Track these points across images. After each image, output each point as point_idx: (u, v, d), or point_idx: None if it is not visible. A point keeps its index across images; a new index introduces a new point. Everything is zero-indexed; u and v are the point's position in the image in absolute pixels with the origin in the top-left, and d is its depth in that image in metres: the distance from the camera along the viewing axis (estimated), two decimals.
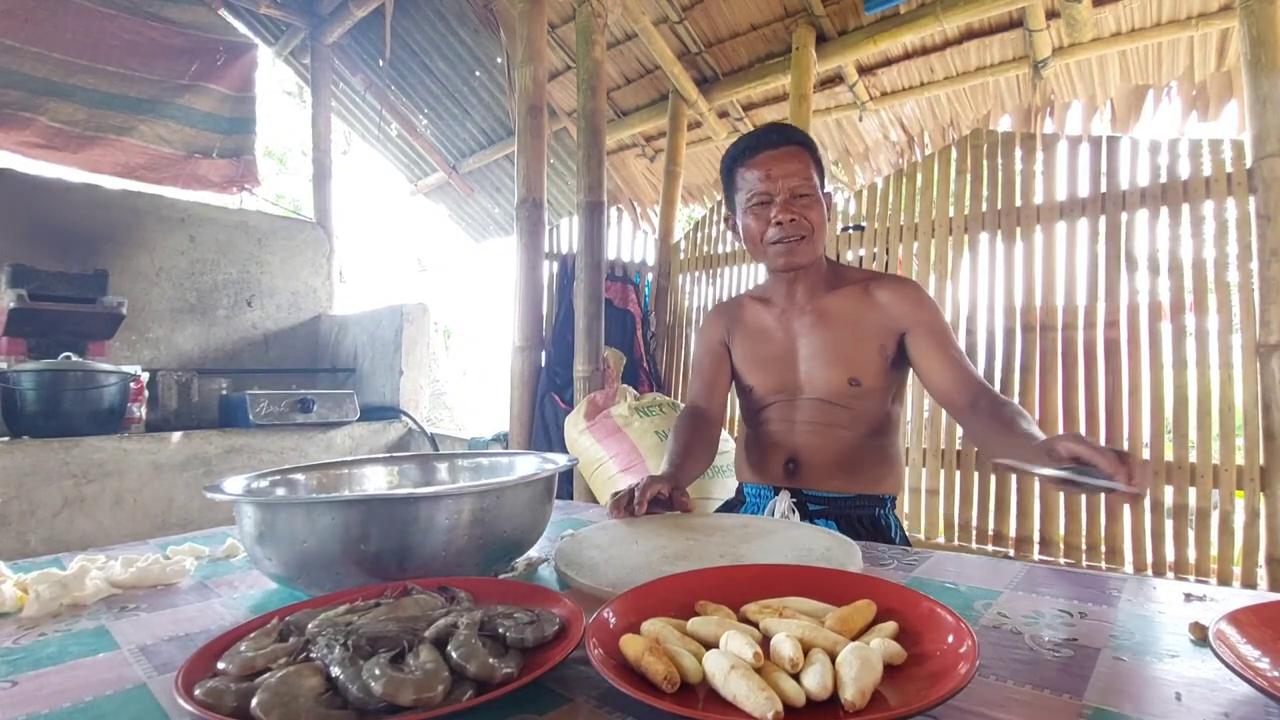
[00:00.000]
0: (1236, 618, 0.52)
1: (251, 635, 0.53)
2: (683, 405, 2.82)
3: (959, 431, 2.65)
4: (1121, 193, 2.35)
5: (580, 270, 2.89)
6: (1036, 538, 2.42)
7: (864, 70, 3.35)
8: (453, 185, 5.13)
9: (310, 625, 0.53)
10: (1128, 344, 2.29)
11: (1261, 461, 2.01)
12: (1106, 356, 2.33)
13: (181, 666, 0.48)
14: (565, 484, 2.80)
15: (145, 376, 2.83)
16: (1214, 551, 2.09)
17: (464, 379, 7.94)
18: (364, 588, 0.64)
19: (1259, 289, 2.02)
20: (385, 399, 3.47)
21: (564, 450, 2.64)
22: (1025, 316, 2.53)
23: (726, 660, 0.45)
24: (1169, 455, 2.21)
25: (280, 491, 0.91)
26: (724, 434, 1.76)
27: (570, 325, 3.16)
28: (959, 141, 2.82)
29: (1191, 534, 2.12)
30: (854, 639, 0.50)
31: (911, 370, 1.23)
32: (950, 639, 0.49)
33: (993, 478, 2.52)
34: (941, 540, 2.60)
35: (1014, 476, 2.46)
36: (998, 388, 2.53)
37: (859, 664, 0.44)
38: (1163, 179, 2.28)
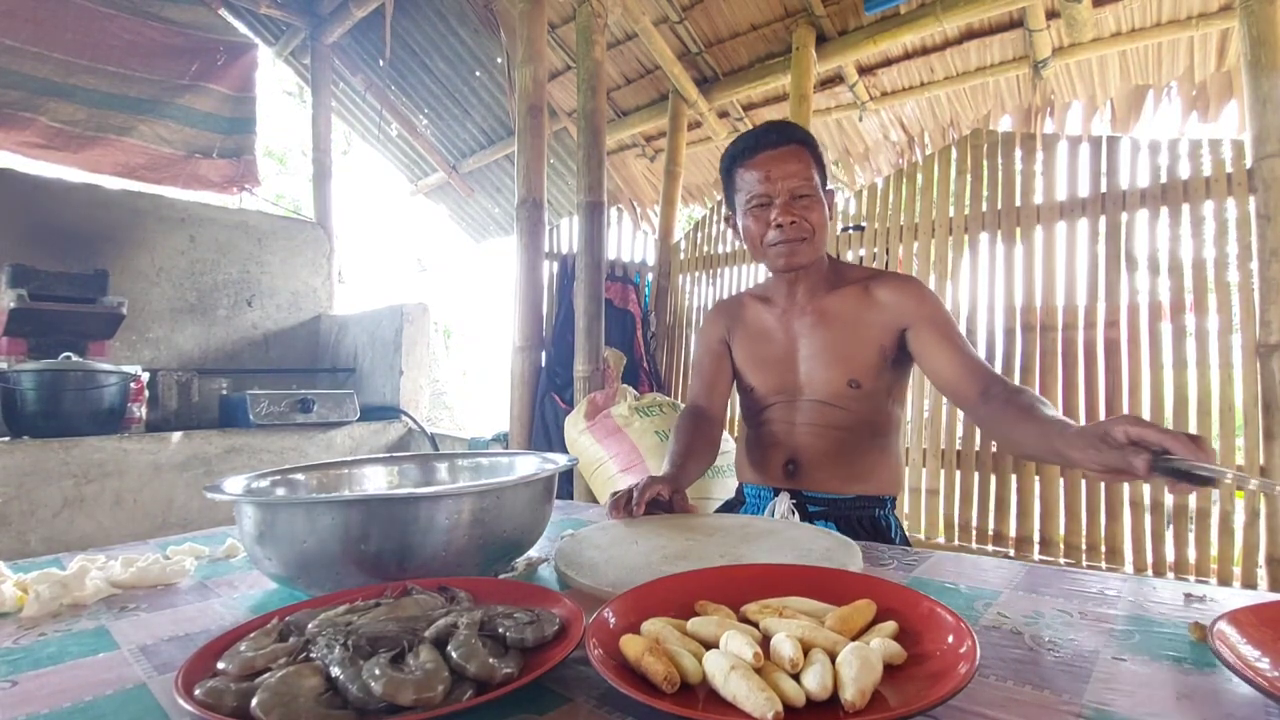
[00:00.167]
0: (1236, 618, 0.52)
1: (251, 635, 0.53)
2: (683, 405, 2.83)
3: (959, 431, 2.65)
4: (1121, 193, 2.35)
5: (580, 270, 2.89)
6: (1036, 538, 2.42)
7: (864, 70, 3.35)
8: (453, 185, 5.13)
9: (310, 625, 0.53)
10: (1128, 344, 2.29)
11: (1262, 462, 2.01)
12: (1106, 356, 2.33)
13: (181, 666, 0.48)
14: (565, 484, 2.80)
15: (145, 376, 2.83)
16: (1214, 551, 2.09)
17: (464, 379, 7.94)
18: (364, 588, 0.64)
19: (1259, 289, 2.02)
20: (385, 399, 3.47)
21: (564, 450, 2.64)
22: (1025, 316, 2.53)
23: (726, 660, 0.45)
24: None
25: (280, 491, 0.91)
26: (724, 434, 1.75)
27: (570, 325, 3.16)
28: (959, 141, 2.82)
29: (1191, 534, 2.12)
30: (854, 639, 0.50)
31: (916, 368, 1.21)
32: (950, 639, 0.49)
33: (993, 477, 2.52)
34: (941, 540, 2.60)
35: (1013, 476, 2.46)
36: None
37: (859, 664, 0.44)
38: (1163, 179, 2.28)
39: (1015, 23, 2.89)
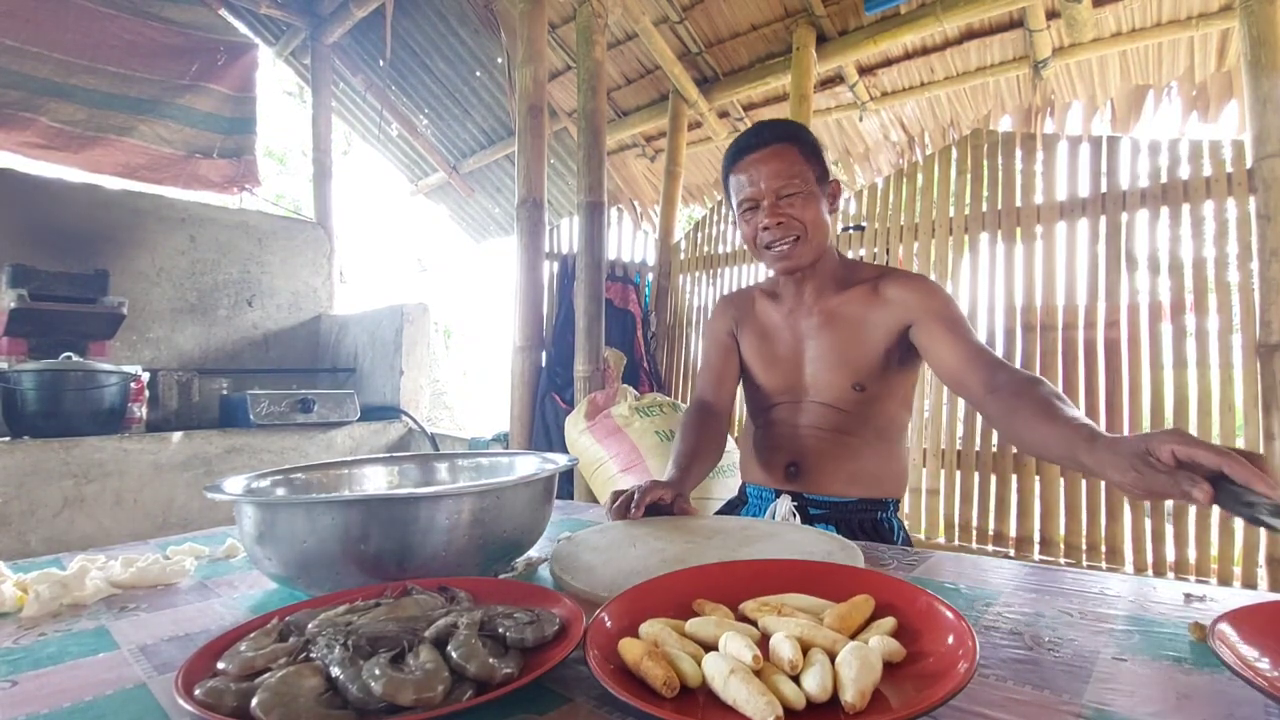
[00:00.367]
0: (1236, 617, 0.52)
1: (251, 635, 0.53)
2: (684, 405, 2.84)
3: (959, 431, 2.65)
4: (1122, 193, 2.35)
5: (580, 270, 2.89)
6: (1037, 538, 2.41)
7: (864, 70, 3.35)
8: (453, 185, 5.14)
9: (310, 625, 0.53)
10: (1128, 344, 2.29)
11: None
12: (1106, 356, 2.33)
13: (181, 666, 0.48)
14: (565, 484, 2.80)
15: (146, 376, 2.83)
16: (1214, 551, 2.08)
17: (464, 379, 7.94)
18: (364, 588, 0.64)
19: (1259, 289, 2.02)
20: (385, 399, 3.47)
21: (564, 450, 2.64)
22: (1025, 316, 2.53)
23: (726, 664, 0.45)
24: None
25: (280, 491, 0.91)
26: None
27: (570, 325, 3.16)
28: (959, 141, 2.82)
29: (1191, 534, 2.12)
30: (853, 636, 0.50)
31: (927, 369, 1.18)
32: (950, 638, 0.48)
33: (993, 477, 2.52)
34: (942, 540, 2.60)
35: (1014, 476, 2.46)
36: None
37: (858, 665, 0.44)
38: (1163, 179, 2.28)
39: (1015, 23, 2.89)
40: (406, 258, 11.40)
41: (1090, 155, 2.44)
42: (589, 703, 0.48)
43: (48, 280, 2.67)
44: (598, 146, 2.86)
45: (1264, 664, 0.46)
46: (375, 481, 1.02)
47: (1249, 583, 2.03)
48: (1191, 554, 2.12)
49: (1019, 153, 2.62)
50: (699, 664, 0.47)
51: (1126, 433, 2.24)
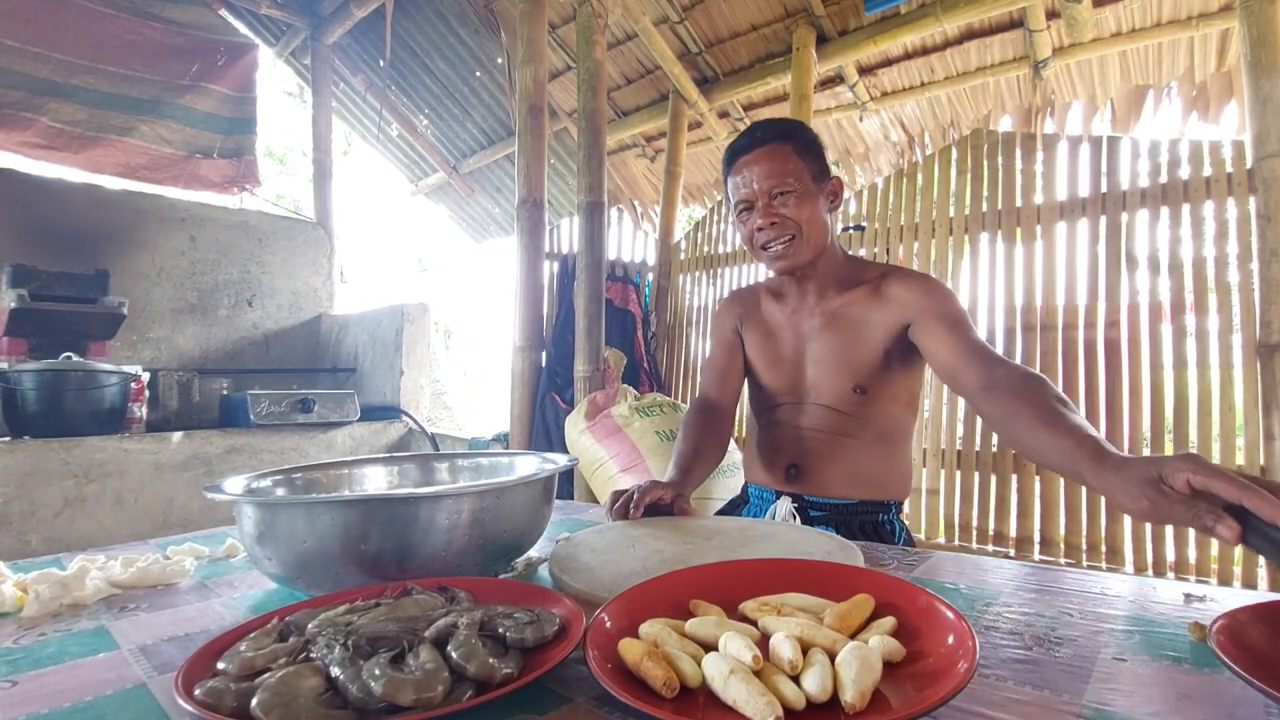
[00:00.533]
0: (1236, 617, 0.51)
1: (251, 635, 0.53)
2: (684, 405, 2.84)
3: (959, 431, 2.65)
4: (1122, 193, 2.35)
5: (581, 270, 2.89)
6: (1037, 538, 2.41)
7: (864, 70, 3.35)
8: (453, 185, 5.14)
9: (310, 625, 0.53)
10: (1128, 344, 2.29)
11: (1262, 461, 2.01)
12: (1106, 356, 2.33)
13: (181, 666, 0.48)
14: (565, 484, 2.80)
15: (146, 376, 2.83)
16: (1214, 551, 2.09)
17: (464, 379, 7.94)
18: (364, 588, 0.64)
19: (1259, 289, 2.02)
20: (386, 399, 3.47)
21: (565, 450, 2.64)
22: (1025, 316, 2.53)
23: (726, 664, 0.45)
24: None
25: (280, 492, 0.91)
26: None
27: (571, 325, 3.16)
28: (959, 141, 2.82)
29: (1191, 534, 2.12)
30: (853, 636, 0.50)
31: (927, 368, 1.17)
32: (949, 636, 0.48)
33: (993, 477, 2.52)
34: (942, 540, 2.60)
35: (1014, 476, 2.46)
36: None
37: (858, 665, 0.44)
38: (1163, 179, 2.28)
39: (1015, 23, 2.89)
40: (406, 258, 11.41)
41: (1090, 155, 2.44)
42: (589, 703, 0.48)
43: (48, 280, 2.67)
44: (598, 146, 2.86)
45: (1265, 664, 0.46)
46: (375, 481, 1.02)
47: (1249, 583, 2.03)
48: (1191, 554, 2.12)
49: (1019, 153, 2.62)
50: (699, 664, 0.47)
51: (1127, 434, 2.26)
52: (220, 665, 0.48)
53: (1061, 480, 2.35)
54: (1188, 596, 0.68)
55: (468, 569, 0.72)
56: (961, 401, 2.49)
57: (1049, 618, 0.63)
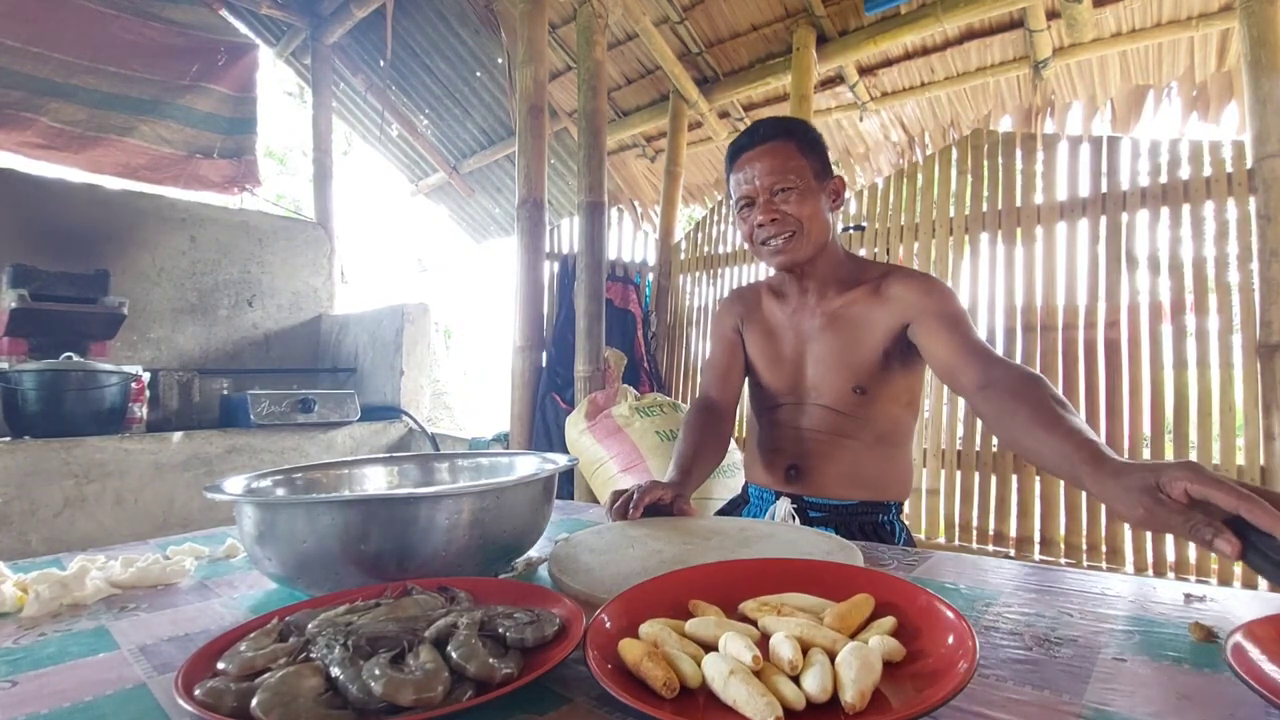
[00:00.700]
0: (1253, 630, 0.49)
1: (251, 635, 0.53)
2: (685, 404, 2.84)
3: (959, 431, 2.65)
4: (1122, 193, 2.35)
5: (581, 270, 2.89)
6: (1037, 538, 2.41)
7: (864, 70, 3.35)
8: (453, 185, 5.14)
9: (310, 625, 0.53)
10: (1128, 344, 2.29)
11: (1262, 462, 2.01)
12: (1107, 356, 2.33)
13: (181, 666, 0.48)
14: (565, 484, 2.81)
15: (146, 376, 2.83)
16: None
17: (465, 379, 7.94)
18: (364, 588, 0.64)
19: (1259, 289, 2.02)
20: (386, 399, 3.47)
21: (565, 450, 2.64)
22: (1025, 316, 2.53)
23: (725, 664, 0.45)
24: (1169, 455, 2.21)
25: (280, 492, 0.91)
26: None
27: (571, 325, 3.16)
28: (959, 142, 2.83)
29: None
30: (853, 636, 0.50)
31: (928, 368, 1.16)
32: (949, 636, 0.48)
33: (993, 478, 2.52)
34: (942, 540, 2.60)
35: (1014, 476, 2.46)
36: None
37: (858, 665, 0.44)
38: (1163, 179, 2.28)
39: (1015, 23, 2.89)
40: (407, 258, 11.41)
41: (1090, 155, 2.44)
42: (589, 703, 0.48)
43: (48, 280, 2.67)
44: (598, 146, 2.86)
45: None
46: (375, 481, 1.02)
47: (1249, 583, 2.03)
48: (1191, 554, 2.12)
49: (1019, 153, 2.62)
50: (699, 664, 0.47)
51: (1127, 434, 2.26)
52: (220, 665, 0.48)
53: (1061, 480, 2.35)
54: (1188, 596, 0.68)
55: (468, 569, 0.72)
56: (961, 401, 2.49)
57: (1049, 618, 0.63)
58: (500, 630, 0.52)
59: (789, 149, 1.11)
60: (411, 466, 1.06)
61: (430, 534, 0.68)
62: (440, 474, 1.06)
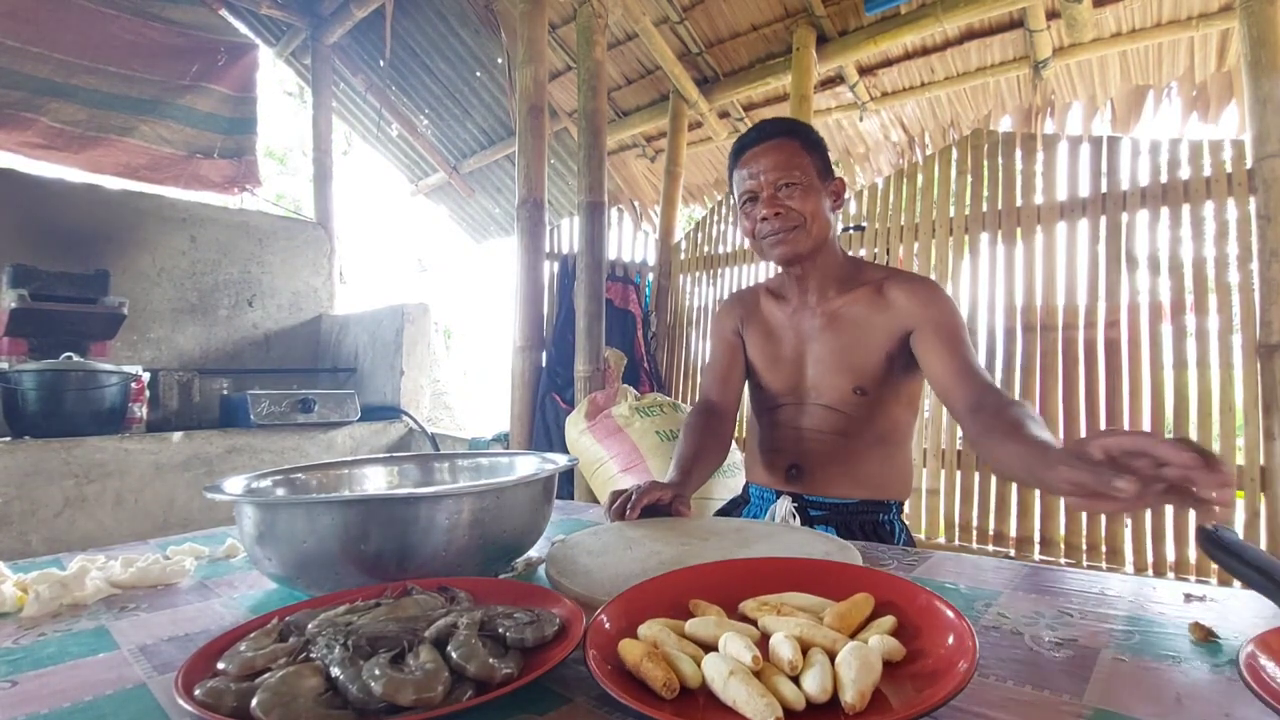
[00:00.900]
0: (1267, 641, 0.48)
1: (251, 635, 0.53)
2: (685, 404, 2.83)
3: (959, 431, 2.65)
4: (1122, 193, 2.35)
5: (581, 270, 2.89)
6: (1037, 538, 2.41)
7: (864, 70, 3.35)
8: (453, 185, 5.14)
9: (310, 625, 0.53)
10: (1128, 344, 2.29)
11: (1262, 462, 2.01)
12: (1106, 356, 2.33)
13: (181, 666, 0.48)
14: (565, 484, 2.81)
15: (146, 376, 2.83)
16: None
17: (465, 379, 7.94)
18: (364, 588, 0.64)
19: (1259, 289, 2.02)
20: (386, 399, 3.47)
21: (565, 450, 2.64)
22: (1025, 316, 2.53)
23: (725, 665, 0.45)
24: None
25: (280, 492, 0.91)
26: None
27: (571, 325, 3.16)
28: (959, 142, 2.82)
29: (1191, 534, 2.12)
30: (853, 635, 0.50)
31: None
32: (949, 636, 0.48)
33: (993, 478, 2.52)
34: (942, 540, 2.60)
35: None
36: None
37: (858, 665, 0.44)
38: (1163, 179, 2.28)
39: (1015, 23, 2.89)
40: (406, 258, 11.40)
41: (1090, 155, 2.44)
42: (589, 703, 0.48)
43: (48, 280, 2.67)
44: (598, 146, 2.86)
45: None
46: (375, 481, 1.02)
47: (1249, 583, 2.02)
48: (1191, 554, 2.12)
49: (1019, 153, 2.62)
50: (699, 665, 0.47)
51: None
52: (220, 665, 0.48)
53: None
54: (1188, 596, 0.68)
55: (468, 569, 0.72)
56: None
57: (1049, 618, 0.63)
58: (500, 630, 0.52)
59: (794, 146, 1.14)
60: (411, 466, 1.06)
61: (430, 534, 0.68)
62: (440, 474, 1.06)
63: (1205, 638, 0.56)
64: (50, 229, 3.15)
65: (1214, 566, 2.08)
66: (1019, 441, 0.81)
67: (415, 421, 3.39)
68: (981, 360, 2.63)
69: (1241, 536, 0.62)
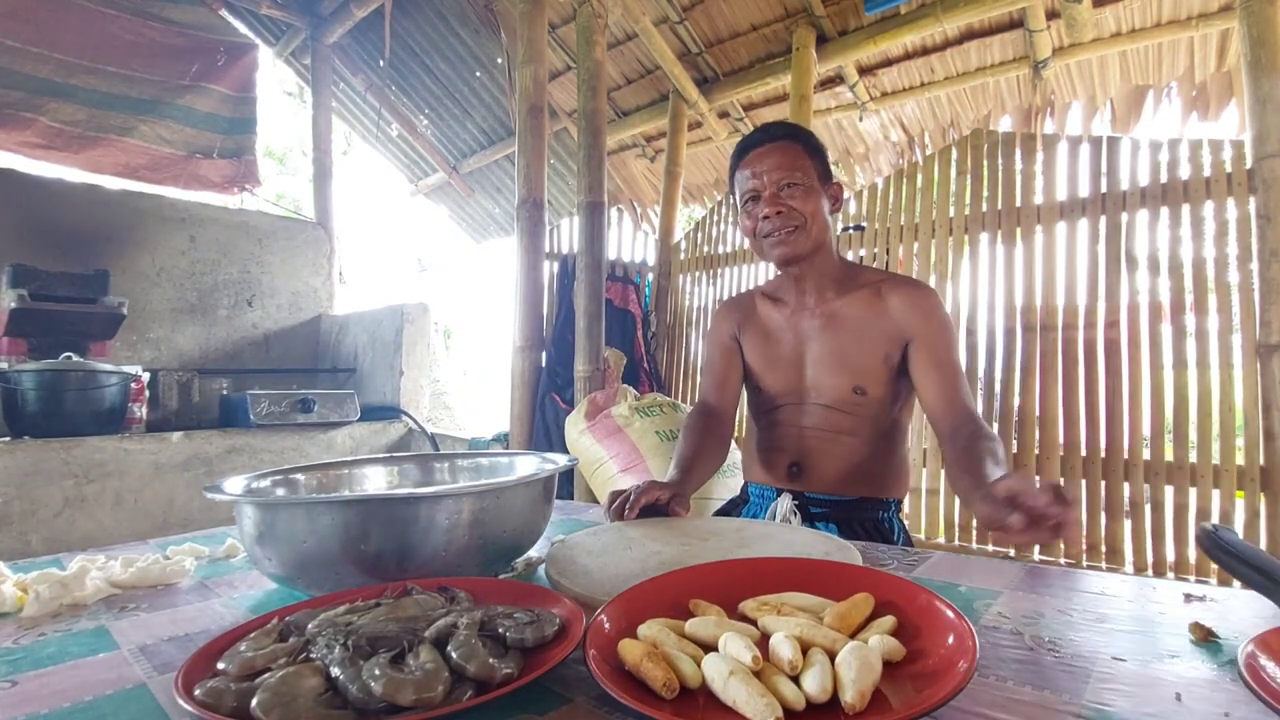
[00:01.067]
0: (1267, 641, 0.48)
1: (251, 635, 0.53)
2: (684, 405, 2.83)
3: None
4: (1122, 193, 2.35)
5: (581, 270, 2.89)
6: None
7: (864, 70, 3.35)
8: (453, 185, 5.14)
9: (310, 625, 0.53)
10: (1128, 344, 2.29)
11: (1261, 462, 2.01)
12: (1106, 357, 2.33)
13: (181, 666, 0.48)
14: (565, 484, 2.80)
15: (146, 376, 2.83)
16: None
17: (464, 379, 7.94)
18: (364, 588, 0.64)
19: (1259, 289, 2.02)
20: (386, 399, 3.47)
21: (565, 450, 2.64)
22: (1025, 316, 2.53)
23: (725, 665, 0.45)
24: (1169, 456, 2.21)
25: (280, 492, 0.91)
26: None
27: (571, 325, 3.16)
28: (959, 142, 2.82)
29: (1191, 534, 2.12)
30: (853, 635, 0.50)
31: None
32: (949, 636, 0.48)
33: None
34: (942, 540, 2.60)
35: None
36: (998, 388, 2.53)
37: (858, 665, 0.44)
38: (1163, 179, 2.28)
39: (1015, 23, 2.89)
40: (406, 258, 11.40)
41: (1090, 155, 2.44)
42: (589, 703, 0.48)
43: (48, 280, 2.67)
44: (598, 146, 2.86)
45: None
46: (375, 481, 1.02)
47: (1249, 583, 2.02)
48: (1191, 554, 2.12)
49: (1019, 153, 2.62)
50: (698, 665, 0.47)
51: (1127, 434, 2.26)
52: (220, 665, 0.48)
53: (1061, 480, 2.35)
54: (1188, 596, 0.68)
55: (468, 569, 0.72)
56: None
57: (1049, 618, 0.63)
58: (500, 630, 0.52)
59: (797, 149, 1.16)
60: (411, 466, 1.06)
61: (430, 534, 0.68)
62: (440, 474, 1.06)
63: (1205, 638, 0.56)
64: (50, 229, 3.15)
65: (1214, 566, 2.08)
66: (971, 474, 0.93)
67: (415, 421, 3.39)
68: (981, 360, 2.64)
69: (1241, 536, 0.63)
